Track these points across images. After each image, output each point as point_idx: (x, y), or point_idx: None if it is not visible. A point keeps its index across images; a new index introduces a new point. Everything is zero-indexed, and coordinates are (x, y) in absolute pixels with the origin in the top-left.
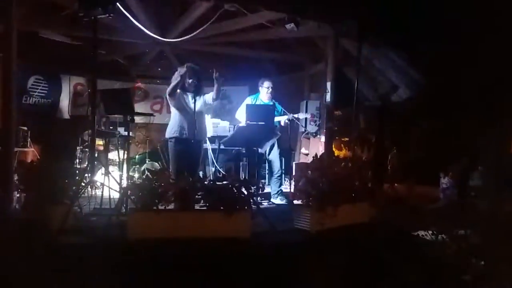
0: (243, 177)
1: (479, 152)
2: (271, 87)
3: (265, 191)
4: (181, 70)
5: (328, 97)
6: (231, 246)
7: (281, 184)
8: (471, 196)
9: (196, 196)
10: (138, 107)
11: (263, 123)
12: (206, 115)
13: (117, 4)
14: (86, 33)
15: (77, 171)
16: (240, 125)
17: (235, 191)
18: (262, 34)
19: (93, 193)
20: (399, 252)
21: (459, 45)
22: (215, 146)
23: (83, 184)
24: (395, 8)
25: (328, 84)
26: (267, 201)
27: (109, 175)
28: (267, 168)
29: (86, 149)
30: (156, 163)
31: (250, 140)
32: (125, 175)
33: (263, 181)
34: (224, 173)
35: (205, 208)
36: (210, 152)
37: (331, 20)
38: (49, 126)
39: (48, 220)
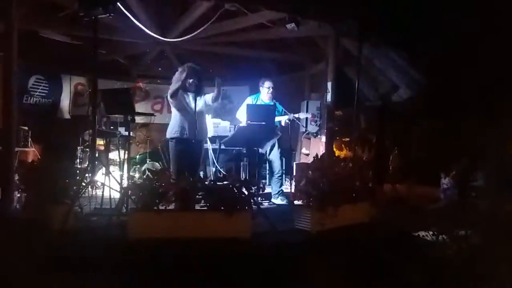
0: (243, 177)
1: (480, 152)
2: (272, 87)
3: (266, 191)
4: (182, 71)
5: (328, 97)
6: (231, 246)
7: (281, 184)
8: (472, 196)
9: (197, 196)
10: (139, 107)
11: (264, 123)
12: (206, 115)
13: (118, 3)
14: (86, 33)
15: (77, 171)
16: (241, 125)
17: (236, 191)
18: (262, 34)
19: (94, 193)
20: (399, 253)
21: (459, 45)
22: (216, 146)
23: (83, 184)
24: (395, 8)
25: (329, 84)
26: (267, 201)
27: (110, 175)
28: (267, 168)
29: (87, 149)
30: (157, 163)
31: (250, 140)
32: (125, 175)
33: (263, 181)
34: (224, 173)
35: (205, 208)
36: (210, 152)
37: (331, 19)
38: (50, 126)
39: (48, 220)
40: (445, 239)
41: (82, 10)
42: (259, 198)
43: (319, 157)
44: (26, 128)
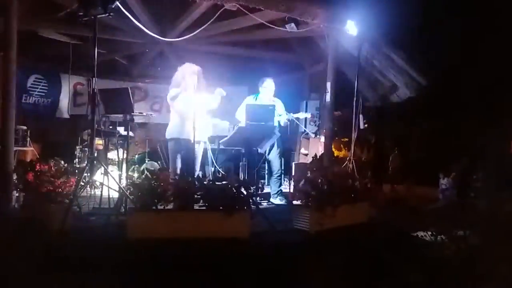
0: (242, 177)
1: (479, 152)
2: (272, 87)
3: (265, 191)
4: (181, 71)
5: (328, 97)
6: (230, 246)
7: (280, 184)
8: (471, 196)
9: (196, 196)
10: (138, 107)
11: (263, 123)
12: (206, 116)
13: (117, 3)
14: (86, 32)
15: (76, 171)
16: (240, 125)
17: (235, 191)
18: (262, 33)
19: (93, 192)
20: (398, 253)
21: (459, 45)
22: (215, 146)
23: (82, 183)
24: (395, 8)
25: (328, 84)
26: (266, 201)
27: (109, 174)
28: (266, 168)
29: (86, 149)
30: (156, 163)
31: (249, 140)
32: (124, 174)
33: (262, 181)
34: (223, 173)
35: (204, 208)
36: (209, 152)
37: (331, 20)
38: (49, 126)
39: (47, 220)
40: (444, 239)
41: (82, 9)
42: (258, 198)
43: (318, 157)
44: (25, 127)
